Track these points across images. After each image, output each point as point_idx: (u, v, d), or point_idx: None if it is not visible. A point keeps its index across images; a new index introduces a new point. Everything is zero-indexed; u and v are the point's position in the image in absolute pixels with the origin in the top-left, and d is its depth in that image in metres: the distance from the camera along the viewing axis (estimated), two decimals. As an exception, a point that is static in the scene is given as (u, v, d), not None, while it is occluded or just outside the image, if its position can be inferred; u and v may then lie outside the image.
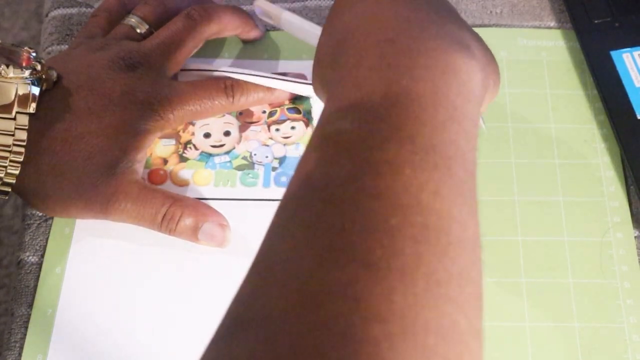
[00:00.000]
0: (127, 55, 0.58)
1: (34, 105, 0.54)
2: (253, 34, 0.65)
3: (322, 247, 0.33)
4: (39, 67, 0.55)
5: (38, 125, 0.54)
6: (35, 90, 0.54)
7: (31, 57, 0.55)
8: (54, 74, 0.56)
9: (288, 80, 0.60)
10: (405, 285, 0.32)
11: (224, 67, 0.61)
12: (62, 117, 0.55)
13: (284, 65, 0.64)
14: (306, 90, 0.60)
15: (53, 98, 0.56)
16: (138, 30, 0.61)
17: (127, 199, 0.55)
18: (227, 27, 0.63)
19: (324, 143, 0.38)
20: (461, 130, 0.38)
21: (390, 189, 0.35)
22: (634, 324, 0.52)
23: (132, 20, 0.61)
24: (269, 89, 0.60)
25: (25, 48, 0.55)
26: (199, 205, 0.55)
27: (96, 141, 0.55)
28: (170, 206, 0.55)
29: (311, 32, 0.60)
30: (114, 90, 0.56)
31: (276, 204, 0.37)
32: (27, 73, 0.54)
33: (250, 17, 0.65)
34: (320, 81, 0.46)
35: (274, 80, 0.60)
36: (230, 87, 0.59)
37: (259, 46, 0.65)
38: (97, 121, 0.55)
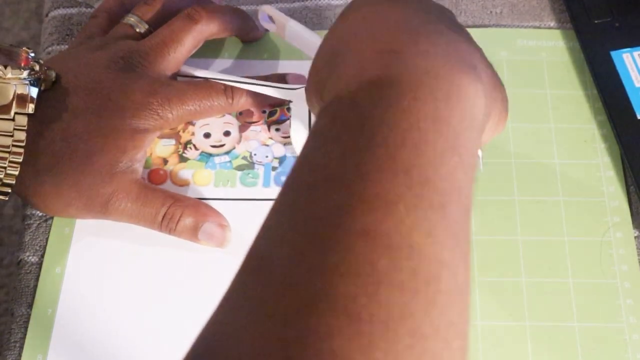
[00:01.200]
0: (126, 54, 0.58)
1: (32, 105, 0.54)
2: (252, 34, 0.65)
3: (301, 290, 0.31)
4: (37, 67, 0.55)
5: (37, 125, 0.54)
6: (34, 91, 0.54)
7: (29, 57, 0.55)
8: (53, 74, 0.56)
9: (276, 86, 0.60)
10: (387, 342, 0.30)
11: (217, 72, 0.61)
12: (60, 117, 0.55)
13: (283, 66, 0.64)
14: (298, 94, 0.60)
15: (52, 98, 0.56)
16: (137, 30, 0.61)
17: (127, 199, 0.55)
18: (227, 27, 0.63)
19: (312, 166, 0.35)
20: (460, 163, 0.36)
21: (381, 227, 0.32)
22: (633, 323, 0.52)
23: (131, 19, 0.61)
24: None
25: (23, 48, 0.55)
26: (200, 205, 0.55)
27: (95, 141, 0.55)
28: (171, 206, 0.55)
29: (316, 45, 0.58)
30: (112, 89, 0.56)
31: None
32: (25, 73, 0.54)
33: (250, 17, 0.64)
34: (315, 89, 0.43)
35: (263, 87, 0.60)
36: (230, 88, 0.59)
37: (259, 46, 0.65)
38: (95, 121, 0.55)
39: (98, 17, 0.63)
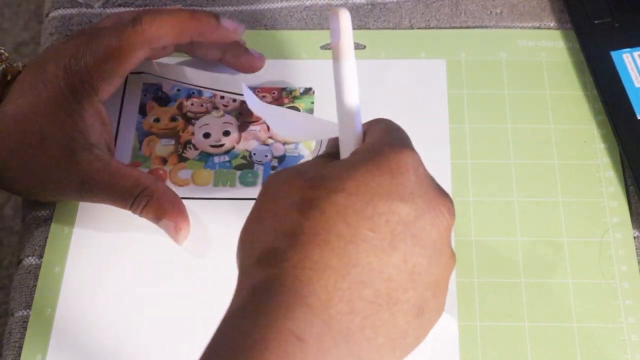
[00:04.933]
0: (86, 27, 0.60)
1: None
2: (244, 60, 0.62)
3: None
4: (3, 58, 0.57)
5: None
6: None
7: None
8: (20, 64, 0.58)
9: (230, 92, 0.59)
10: None
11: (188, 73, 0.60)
12: (11, 99, 0.56)
13: (283, 65, 0.64)
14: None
15: (14, 83, 0.57)
16: None
17: (97, 188, 0.55)
18: (175, 31, 0.58)
19: None
20: None
21: None
22: (633, 324, 0.52)
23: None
24: (192, 16, 0.57)
25: None
26: (164, 199, 0.55)
27: (41, 122, 0.55)
28: (139, 194, 0.55)
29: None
30: (48, 61, 0.57)
31: None
32: None
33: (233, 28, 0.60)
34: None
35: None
36: (138, 17, 0.57)
37: (259, 46, 0.65)
38: (35, 100, 0.56)
39: (108, 19, 0.63)
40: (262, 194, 0.42)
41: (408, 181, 0.40)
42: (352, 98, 0.43)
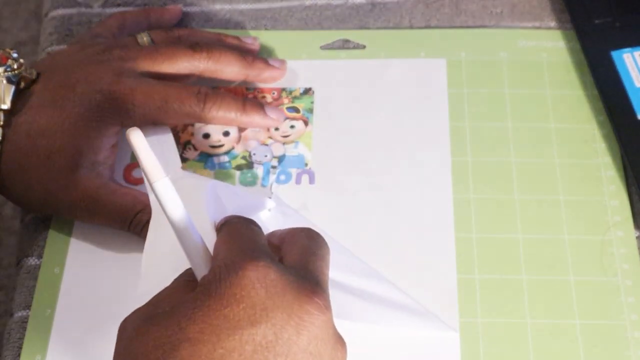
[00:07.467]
0: (107, 48, 0.58)
1: (8, 101, 0.54)
2: (266, 74, 0.62)
3: None
4: (15, 65, 0.55)
5: (10, 120, 0.55)
6: (9, 87, 0.55)
7: (11, 57, 0.55)
8: (34, 73, 0.56)
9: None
10: None
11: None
12: (27, 112, 0.55)
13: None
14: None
15: (26, 94, 0.56)
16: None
17: (96, 205, 0.54)
18: (226, 71, 0.60)
19: None
20: None
21: None
22: (635, 321, 0.52)
23: (144, 38, 0.60)
24: (243, 110, 0.58)
25: (5, 49, 0.56)
26: None
27: (55, 137, 0.54)
28: (138, 213, 0.54)
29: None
30: (79, 81, 0.55)
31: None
32: (1, 70, 0.55)
33: (264, 65, 0.61)
34: None
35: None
36: (204, 93, 0.57)
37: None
38: (57, 114, 0.55)
39: (113, 18, 0.63)
40: (116, 349, 0.41)
41: (257, 298, 0.37)
42: (178, 215, 0.41)
